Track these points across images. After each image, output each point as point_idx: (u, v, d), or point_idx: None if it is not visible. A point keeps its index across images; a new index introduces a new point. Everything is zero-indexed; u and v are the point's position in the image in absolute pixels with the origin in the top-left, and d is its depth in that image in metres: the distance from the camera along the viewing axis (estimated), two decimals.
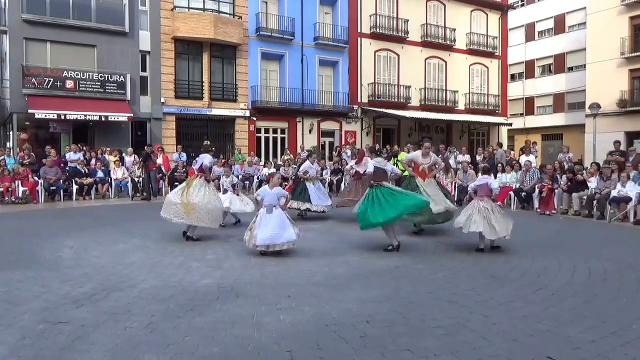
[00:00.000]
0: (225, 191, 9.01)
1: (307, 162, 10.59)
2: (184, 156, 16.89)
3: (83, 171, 14.45)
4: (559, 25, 33.35)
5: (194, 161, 8.27)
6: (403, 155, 15.19)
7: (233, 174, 9.83)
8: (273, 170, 17.54)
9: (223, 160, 17.48)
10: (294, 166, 16.42)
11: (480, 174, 8.38)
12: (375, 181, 6.98)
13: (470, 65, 28.69)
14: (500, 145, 19.83)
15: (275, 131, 23.91)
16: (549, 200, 12.04)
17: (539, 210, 12.11)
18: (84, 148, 16.01)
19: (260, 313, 4.17)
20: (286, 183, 13.88)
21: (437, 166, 8.44)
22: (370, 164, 7.27)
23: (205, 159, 7.88)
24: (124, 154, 16.22)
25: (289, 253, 6.56)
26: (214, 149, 8.48)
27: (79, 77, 18.49)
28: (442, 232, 8.58)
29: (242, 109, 22.35)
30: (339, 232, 8.67)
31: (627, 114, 26.98)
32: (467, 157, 16.72)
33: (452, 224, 7.45)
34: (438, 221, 8.17)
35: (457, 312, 4.24)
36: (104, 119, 18.31)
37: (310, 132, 24.17)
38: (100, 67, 19.05)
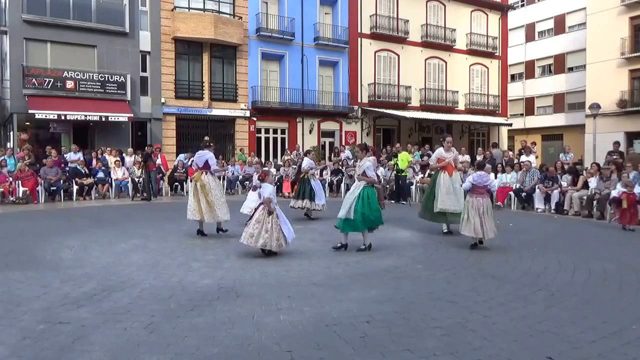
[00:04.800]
0: (255, 187, 8.67)
1: (307, 159, 10.58)
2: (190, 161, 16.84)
3: (83, 171, 14.45)
4: (559, 25, 33.36)
5: (192, 160, 8.27)
6: (404, 155, 15.24)
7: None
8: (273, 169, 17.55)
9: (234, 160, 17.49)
10: (294, 166, 16.42)
11: (475, 170, 8.41)
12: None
13: (470, 65, 28.69)
14: (495, 145, 19.82)
15: (275, 131, 23.90)
16: (633, 212, 9.48)
17: (619, 223, 9.66)
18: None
19: (260, 313, 4.17)
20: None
21: (455, 161, 8.67)
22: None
23: (209, 157, 7.96)
24: (124, 154, 16.22)
25: (289, 253, 6.55)
26: (212, 144, 8.47)
27: (79, 77, 18.49)
28: (442, 232, 8.58)
29: (242, 109, 22.35)
30: (339, 232, 8.66)
31: (627, 114, 26.98)
32: (467, 157, 16.71)
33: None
34: (456, 221, 8.14)
35: (457, 312, 4.24)
36: (104, 119, 18.31)
37: (310, 132, 24.17)
38: (100, 67, 19.05)
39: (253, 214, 6.55)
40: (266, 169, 8.90)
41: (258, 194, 8.20)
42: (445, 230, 8.52)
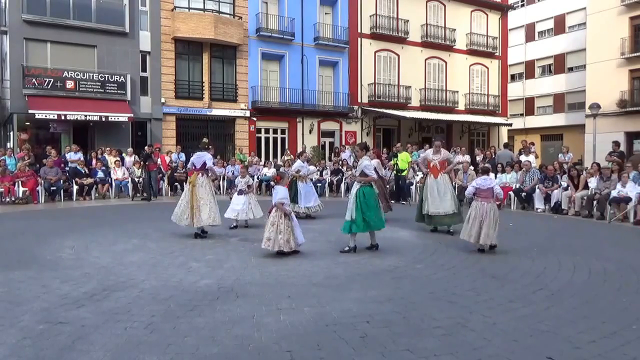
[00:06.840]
0: (241, 192, 8.76)
1: (298, 161, 10.60)
2: (183, 156, 16.87)
3: (83, 171, 14.45)
4: (559, 25, 33.37)
5: (191, 161, 8.23)
6: (404, 155, 15.24)
7: (248, 174, 9.73)
8: (274, 169, 17.55)
9: (233, 160, 17.56)
10: None
11: (479, 174, 8.36)
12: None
13: (470, 65, 28.70)
14: (506, 145, 19.66)
15: (275, 131, 23.91)
16: None
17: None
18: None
19: (260, 313, 4.17)
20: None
21: (449, 161, 8.70)
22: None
23: (207, 158, 7.95)
24: (124, 154, 16.22)
25: (288, 253, 6.55)
26: (210, 146, 8.47)
27: (79, 77, 18.50)
28: (442, 232, 8.58)
29: (242, 109, 22.35)
30: (339, 232, 8.66)
31: (627, 114, 27.00)
32: (467, 158, 16.69)
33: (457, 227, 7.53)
34: (444, 223, 8.45)
35: (457, 312, 4.24)
36: (104, 119, 18.31)
37: (310, 132, 24.17)
38: (100, 67, 19.05)
39: (267, 217, 6.56)
40: (282, 171, 8.89)
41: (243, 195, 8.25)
42: (447, 231, 8.61)
